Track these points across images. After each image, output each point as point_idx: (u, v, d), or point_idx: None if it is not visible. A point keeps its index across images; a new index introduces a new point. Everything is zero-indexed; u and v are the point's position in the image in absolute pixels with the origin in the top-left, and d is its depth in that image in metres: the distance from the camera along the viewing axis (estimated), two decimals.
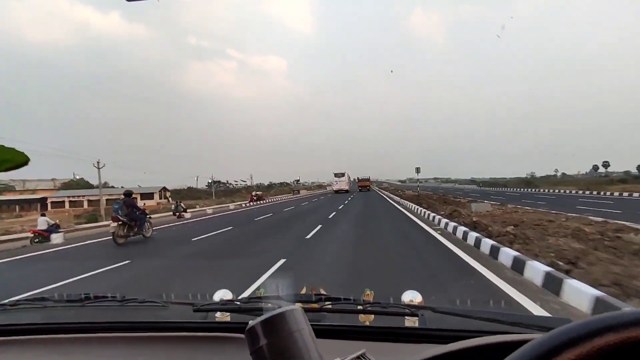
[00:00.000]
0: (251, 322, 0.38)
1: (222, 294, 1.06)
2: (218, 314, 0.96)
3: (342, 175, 42.91)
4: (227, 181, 72.29)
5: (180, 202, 18.63)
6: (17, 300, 1.00)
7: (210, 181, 69.74)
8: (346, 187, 41.22)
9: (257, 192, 30.86)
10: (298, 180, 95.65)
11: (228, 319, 0.94)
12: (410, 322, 0.87)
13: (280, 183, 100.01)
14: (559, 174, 68.80)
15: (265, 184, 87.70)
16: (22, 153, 0.34)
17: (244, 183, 72.26)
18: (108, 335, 0.89)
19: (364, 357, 0.43)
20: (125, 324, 0.93)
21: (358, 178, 49.97)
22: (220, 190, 59.06)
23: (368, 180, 48.66)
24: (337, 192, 39.89)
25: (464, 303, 2.35)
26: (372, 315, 0.92)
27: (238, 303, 0.95)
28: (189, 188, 53.60)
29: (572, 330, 0.28)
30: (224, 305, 0.96)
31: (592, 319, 0.28)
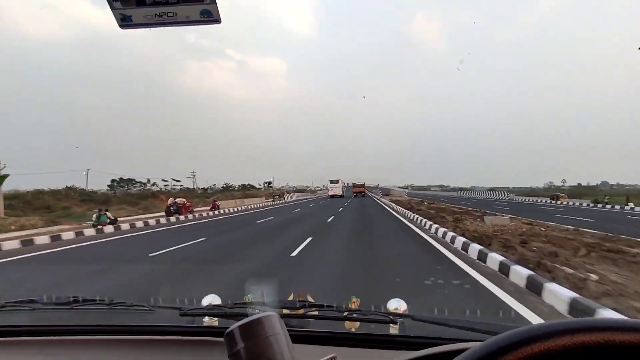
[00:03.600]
0: (230, 327, 0.46)
1: (211, 299, 1.18)
2: (206, 319, 1.08)
3: (337, 181, 50.33)
4: (149, 180, 54.89)
5: (106, 210, 15.32)
6: (5, 302, 1.09)
7: (116, 180, 49.20)
8: (340, 193, 48.33)
9: (177, 200, 21.31)
10: (270, 183, 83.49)
11: (216, 323, 1.05)
12: (394, 329, 0.99)
13: (243, 185, 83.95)
14: (566, 185, 68.82)
15: (220, 186, 73.09)
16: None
17: (178, 183, 57.17)
18: (95, 338, 0.98)
19: None
20: (112, 327, 1.03)
21: (353, 184, 55.31)
22: (130, 193, 45.11)
23: (363, 186, 53.80)
24: (332, 197, 46.23)
25: (442, 311, 2.74)
26: (358, 323, 1.04)
27: (224, 308, 1.09)
28: (68, 188, 34.28)
29: (500, 341, 0.32)
30: (210, 310, 1.08)
31: (520, 330, 0.33)
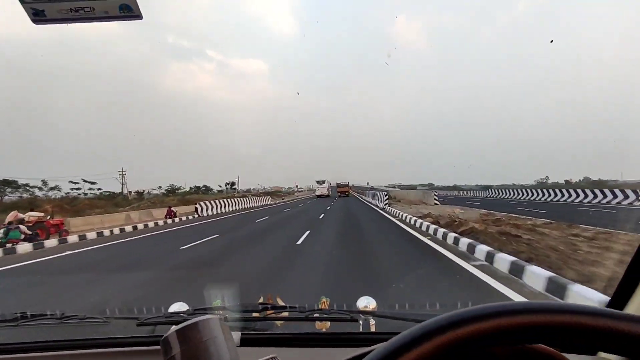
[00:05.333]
0: (167, 333, 0.46)
1: (178, 307, 1.15)
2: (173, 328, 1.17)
3: (323, 182, 53.40)
4: (45, 182, 37.76)
5: (19, 222, 11.87)
6: None
7: None
8: (326, 192, 51.21)
9: (26, 215, 13.54)
10: (233, 184, 72.52)
11: None
12: (359, 327, 1.02)
13: (197, 188, 65.82)
14: (549, 180, 62.50)
15: (165, 189, 57.02)
16: None
17: (94, 186, 43.01)
18: (45, 355, 0.95)
19: None
20: (64, 342, 0.99)
21: (337, 184, 55.84)
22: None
23: (347, 186, 54.58)
24: (319, 196, 49.60)
25: (403, 306, 2.69)
26: (328, 322, 1.05)
27: (184, 315, 1.06)
28: None
29: (408, 336, 0.33)
30: (169, 318, 1.06)
31: (430, 321, 0.34)
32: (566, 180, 56.24)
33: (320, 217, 16.44)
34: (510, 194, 37.01)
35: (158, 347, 0.85)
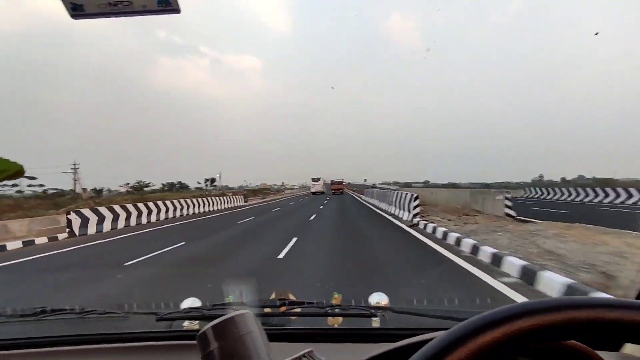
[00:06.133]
0: (203, 328, 0.46)
1: (190, 302, 1.16)
2: (187, 323, 1.06)
3: (318, 179, 55.08)
4: None
5: None
6: None
7: None
8: (322, 190, 52.89)
9: None
10: (214, 181, 66.43)
11: (196, 327, 1.03)
12: (376, 322, 1.00)
13: (170, 185, 60.90)
14: (544, 178, 62.61)
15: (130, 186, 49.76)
16: (17, 163, 0.43)
17: (34, 182, 35.12)
18: (65, 349, 0.95)
19: (309, 356, 0.51)
20: (84, 336, 1.00)
21: (332, 181, 56.57)
22: None
23: (341, 183, 54.62)
24: (314, 193, 51.21)
25: (420, 302, 2.75)
26: (340, 318, 1.04)
27: (202, 310, 1.06)
28: None
29: (458, 331, 0.33)
30: (188, 314, 1.05)
31: (474, 319, 0.33)
32: (562, 179, 57.19)
33: (285, 251, 6.98)
34: (551, 194, 28.44)
35: (177, 342, 0.89)
